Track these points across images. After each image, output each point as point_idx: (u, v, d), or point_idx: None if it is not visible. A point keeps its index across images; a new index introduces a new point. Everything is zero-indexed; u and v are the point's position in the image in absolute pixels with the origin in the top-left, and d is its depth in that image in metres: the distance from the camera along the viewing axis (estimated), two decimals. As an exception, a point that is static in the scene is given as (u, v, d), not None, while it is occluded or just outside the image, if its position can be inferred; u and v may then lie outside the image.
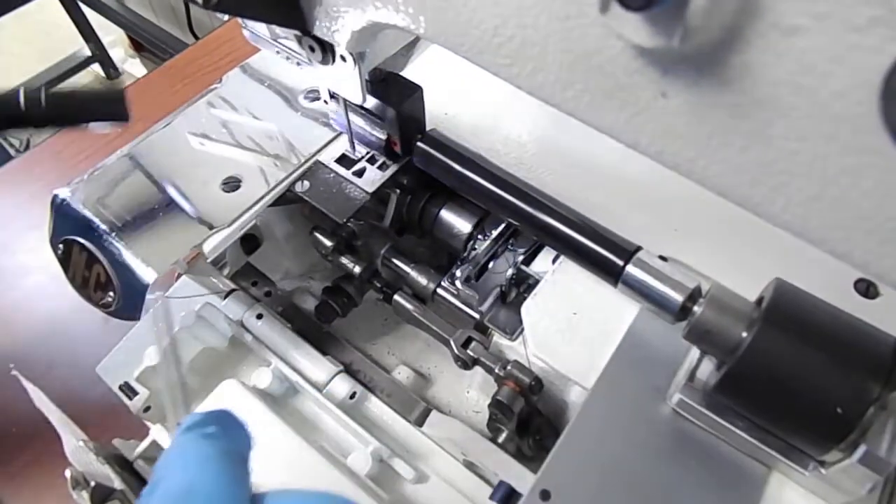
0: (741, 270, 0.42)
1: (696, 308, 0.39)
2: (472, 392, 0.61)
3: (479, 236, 0.54)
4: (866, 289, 0.46)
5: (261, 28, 0.39)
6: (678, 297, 0.39)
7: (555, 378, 0.46)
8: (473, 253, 0.53)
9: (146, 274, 0.48)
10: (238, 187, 0.51)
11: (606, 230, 0.43)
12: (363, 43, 0.32)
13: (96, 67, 2.44)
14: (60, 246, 0.49)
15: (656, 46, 0.18)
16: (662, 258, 0.41)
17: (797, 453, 0.36)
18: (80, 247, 0.49)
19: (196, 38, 1.58)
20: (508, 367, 0.49)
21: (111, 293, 0.49)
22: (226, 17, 1.00)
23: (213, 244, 0.49)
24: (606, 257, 0.41)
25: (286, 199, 0.52)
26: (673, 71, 0.19)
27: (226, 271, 0.66)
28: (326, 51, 0.35)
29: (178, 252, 0.50)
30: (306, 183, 0.52)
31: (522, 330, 0.52)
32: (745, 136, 0.19)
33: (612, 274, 0.41)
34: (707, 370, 0.41)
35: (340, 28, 0.31)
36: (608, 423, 0.41)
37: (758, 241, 0.47)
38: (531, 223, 0.44)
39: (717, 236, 0.48)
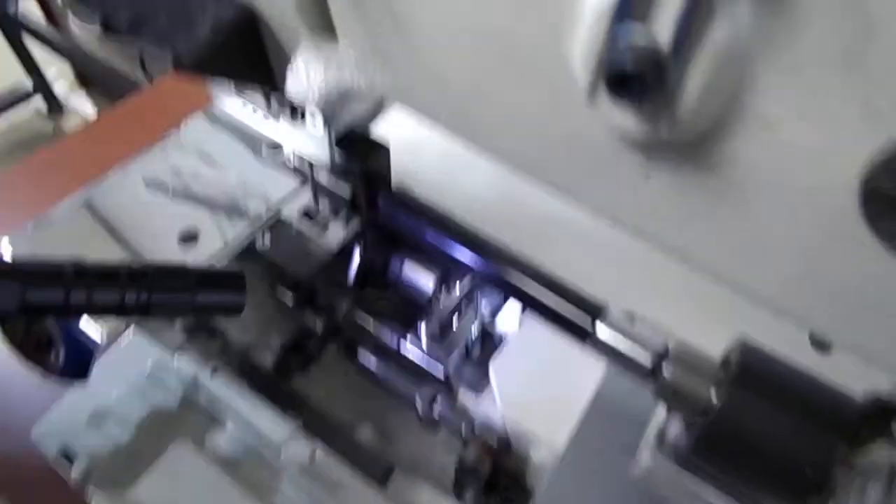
0: (703, 321, 0.43)
1: (664, 366, 0.39)
2: (437, 448, 0.59)
3: (443, 291, 0.54)
4: (820, 343, 0.47)
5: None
6: (647, 357, 0.39)
7: (525, 438, 0.46)
8: (438, 308, 0.52)
9: (94, 332, 0.45)
10: (195, 240, 0.49)
11: (572, 287, 0.43)
12: (334, 105, 0.32)
13: (38, 101, 2.36)
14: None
15: (643, 135, 0.18)
16: (630, 316, 0.41)
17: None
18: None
19: (146, 73, 1.54)
20: (475, 428, 0.48)
21: (54, 353, 0.46)
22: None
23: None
24: (574, 315, 0.41)
25: (247, 253, 0.51)
26: (657, 155, 0.20)
27: (178, 324, 0.63)
28: (296, 109, 0.34)
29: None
30: (268, 238, 0.50)
31: (489, 384, 0.51)
32: (725, 217, 0.20)
33: (580, 332, 0.41)
34: (676, 428, 0.41)
35: (312, 88, 0.31)
36: (580, 486, 0.40)
37: (717, 291, 0.48)
38: (497, 281, 0.44)
39: (678, 288, 0.48)
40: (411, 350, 0.52)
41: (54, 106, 2.35)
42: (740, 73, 0.16)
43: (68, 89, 2.43)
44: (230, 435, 0.53)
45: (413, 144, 0.53)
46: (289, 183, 0.53)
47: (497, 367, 0.45)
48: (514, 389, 0.44)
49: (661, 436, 0.41)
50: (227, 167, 0.55)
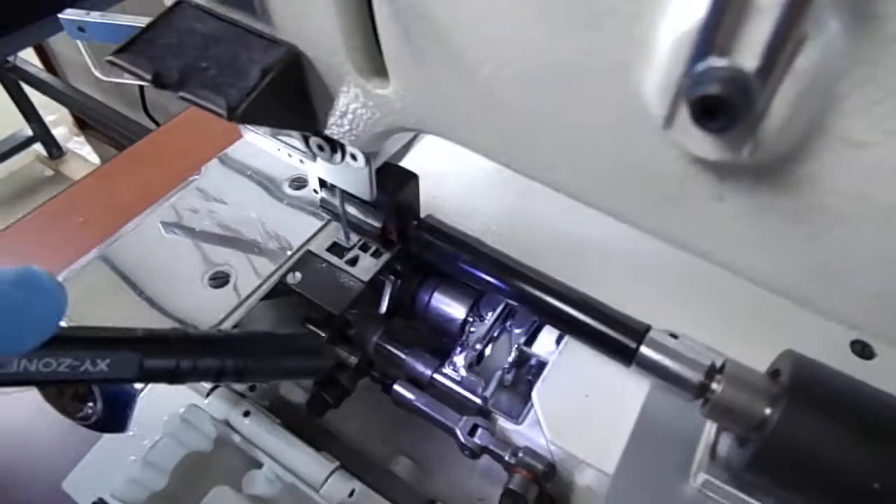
0: (743, 338, 0.43)
1: (713, 385, 0.38)
2: (475, 480, 0.58)
3: (475, 319, 0.54)
4: (862, 349, 0.47)
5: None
6: (696, 376, 0.39)
7: (570, 463, 0.45)
8: (471, 337, 0.52)
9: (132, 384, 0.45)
10: (226, 283, 0.49)
11: (613, 310, 0.43)
12: (377, 143, 0.32)
13: (38, 147, 2.37)
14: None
15: (721, 160, 0.18)
16: (673, 335, 0.41)
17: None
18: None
19: (150, 117, 1.56)
20: (520, 455, 0.47)
21: (91, 404, 0.45)
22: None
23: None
24: (617, 339, 0.41)
25: (277, 292, 0.51)
26: (731, 178, 0.20)
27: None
28: (336, 150, 0.34)
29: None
30: (298, 274, 0.50)
31: (528, 413, 0.51)
32: (802, 239, 0.20)
33: (624, 355, 0.41)
34: (726, 445, 0.41)
35: (357, 131, 0.31)
36: (636, 508, 0.40)
37: (754, 307, 0.48)
38: (536, 306, 0.44)
39: (716, 306, 0.48)
40: (447, 380, 0.52)
41: (54, 151, 2.37)
42: (827, 94, 0.16)
43: (68, 133, 2.44)
44: (267, 475, 0.53)
45: (439, 173, 0.53)
46: (312, 220, 0.53)
47: (540, 393, 0.44)
48: (559, 414, 0.44)
49: (713, 454, 0.40)
50: (248, 209, 0.55)
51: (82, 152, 2.41)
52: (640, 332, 0.41)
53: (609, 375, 0.45)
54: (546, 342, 0.50)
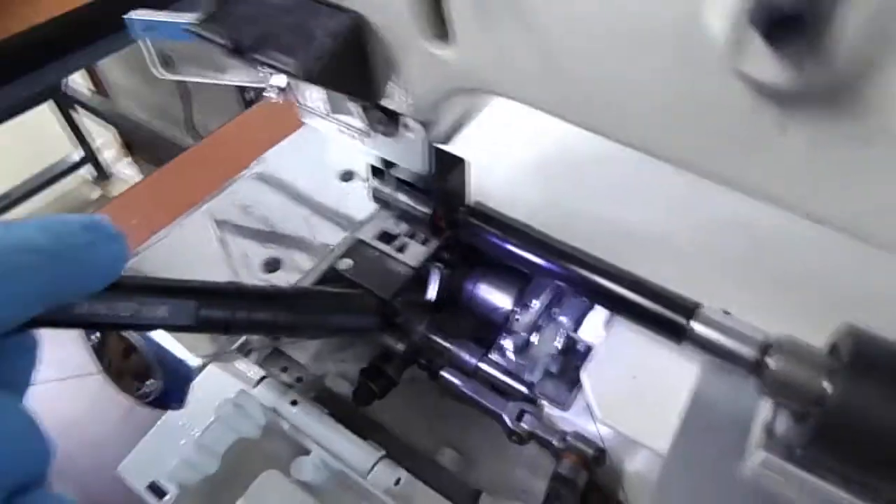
0: (796, 314, 0.42)
1: (768, 360, 0.38)
2: (519, 472, 0.58)
3: (520, 309, 0.54)
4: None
5: (317, 105, 0.40)
6: (750, 352, 0.38)
7: (621, 445, 0.45)
8: (517, 325, 0.52)
9: (190, 359, 0.46)
10: (277, 268, 0.50)
11: (662, 288, 0.43)
12: (435, 111, 0.33)
13: (85, 170, 2.47)
14: (95, 334, 0.48)
15: (790, 84, 0.19)
16: (725, 312, 0.41)
17: (900, 509, 0.35)
18: (117, 335, 0.47)
19: (197, 136, 1.61)
20: (568, 439, 0.47)
21: (150, 382, 0.47)
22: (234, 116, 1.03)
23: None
24: (668, 316, 0.41)
25: (326, 280, 0.52)
26: (796, 106, 0.20)
27: (253, 357, 0.64)
28: (392, 120, 0.36)
29: (222, 336, 0.49)
30: (348, 261, 0.51)
31: (575, 400, 0.51)
32: (871, 168, 0.20)
33: (675, 332, 0.41)
34: (784, 423, 0.40)
35: (417, 96, 0.32)
36: (690, 491, 0.39)
37: (802, 288, 0.47)
38: (585, 286, 0.44)
39: (763, 288, 0.48)
40: (493, 368, 0.52)
41: (101, 173, 2.46)
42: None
43: (115, 156, 2.54)
44: (314, 462, 0.53)
45: (481, 166, 0.54)
46: (360, 211, 0.55)
47: (589, 374, 0.44)
48: (609, 395, 0.43)
49: (770, 432, 0.40)
50: (298, 199, 0.57)
51: (129, 173, 2.50)
52: (690, 308, 0.41)
53: (659, 356, 0.45)
54: (593, 328, 0.50)
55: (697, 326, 0.40)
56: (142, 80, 2.17)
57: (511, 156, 0.57)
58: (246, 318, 0.35)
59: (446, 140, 0.42)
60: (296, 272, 0.51)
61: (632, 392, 0.43)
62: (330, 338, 0.53)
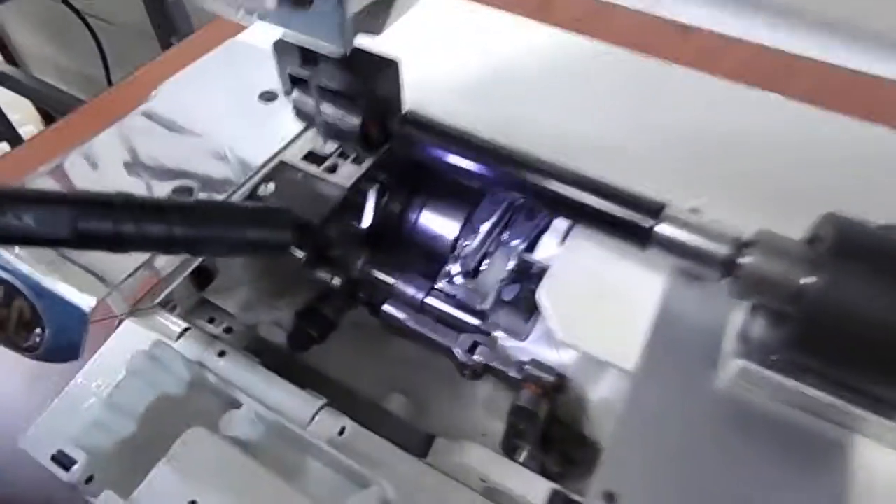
0: (765, 214, 0.38)
1: (742, 259, 0.34)
2: (476, 413, 0.54)
3: (467, 234, 0.49)
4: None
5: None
6: (722, 250, 0.34)
7: (584, 371, 0.41)
8: (465, 250, 0.47)
9: (82, 301, 0.40)
10: (191, 195, 0.44)
11: (624, 190, 0.38)
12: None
13: (4, 146, 2.29)
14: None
15: None
16: (693, 210, 0.36)
17: (888, 407, 0.32)
18: (-5, 280, 0.40)
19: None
20: (527, 368, 0.43)
21: (38, 331, 0.40)
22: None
23: (163, 262, 0.41)
24: (632, 219, 0.37)
25: (248, 207, 0.45)
26: None
27: (177, 313, 0.58)
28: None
29: (120, 274, 0.42)
30: (271, 185, 0.45)
31: (532, 329, 0.46)
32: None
33: (640, 236, 0.36)
34: (758, 329, 0.36)
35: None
36: (662, 408, 0.35)
37: (768, 198, 0.44)
38: (541, 194, 0.39)
39: (729, 192, 0.44)
40: (441, 301, 0.47)
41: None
42: None
43: (34, 131, 2.36)
44: (247, 416, 0.47)
45: (413, 81, 0.49)
46: (283, 132, 0.48)
47: (547, 292, 0.40)
48: (571, 314, 0.39)
49: (745, 339, 0.36)
50: (212, 122, 0.50)
51: (50, 148, 2.33)
52: (655, 209, 0.36)
53: (622, 269, 0.40)
54: (548, 248, 0.45)
55: (664, 227, 0.36)
56: (55, 46, 2.01)
57: (446, 72, 0.52)
58: (135, 231, 0.29)
59: (375, 28, 0.36)
60: (211, 198, 0.44)
61: (595, 309, 0.39)
62: (239, 256, 0.46)
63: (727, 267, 0.34)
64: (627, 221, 0.36)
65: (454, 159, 0.41)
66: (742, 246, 0.34)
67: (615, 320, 0.39)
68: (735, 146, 0.48)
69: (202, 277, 0.60)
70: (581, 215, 0.39)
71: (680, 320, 0.38)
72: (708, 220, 0.36)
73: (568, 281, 0.40)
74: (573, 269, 0.41)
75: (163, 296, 0.60)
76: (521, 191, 0.40)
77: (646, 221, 0.36)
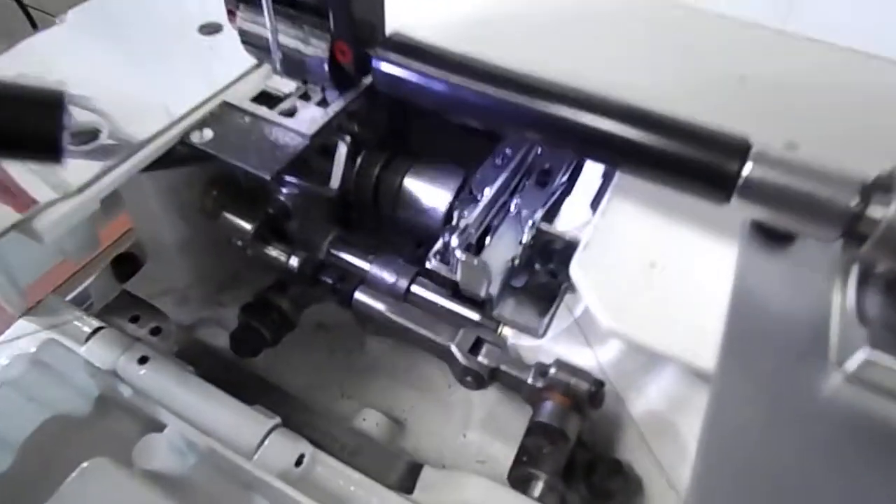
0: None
1: (872, 210, 0.24)
2: (471, 434, 0.43)
3: (466, 204, 0.38)
4: None
5: None
6: (843, 197, 0.24)
7: (631, 370, 0.30)
8: (464, 220, 0.36)
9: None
10: (95, 138, 0.32)
11: (693, 124, 0.28)
12: None
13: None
14: None
15: None
16: (791, 145, 0.26)
17: None
18: None
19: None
20: (551, 372, 0.32)
21: None
22: None
23: (49, 219, 0.29)
24: (710, 160, 0.27)
25: (175, 160, 0.34)
26: None
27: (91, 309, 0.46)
28: None
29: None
30: (207, 131, 0.34)
31: (549, 323, 0.36)
32: None
33: (722, 183, 0.26)
34: (884, 310, 0.26)
35: None
36: (754, 421, 0.25)
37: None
38: (575, 133, 0.29)
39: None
40: (429, 289, 0.37)
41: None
42: None
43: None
44: (171, 441, 0.35)
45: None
46: (228, 69, 0.37)
47: (583, 265, 0.29)
48: (616, 295, 0.28)
49: (865, 320, 0.26)
50: (134, 55, 0.39)
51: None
52: (741, 147, 0.26)
53: (679, 237, 0.30)
54: (577, 214, 0.35)
55: (757, 170, 0.26)
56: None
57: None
58: None
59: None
60: (124, 146, 0.32)
61: (649, 289, 0.29)
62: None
63: (850, 220, 0.24)
64: (704, 164, 0.26)
65: (454, 92, 0.31)
66: (869, 193, 0.24)
67: (676, 302, 0.29)
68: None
69: (124, 266, 0.48)
70: (633, 160, 0.28)
71: (764, 300, 0.28)
72: (815, 158, 0.26)
73: (610, 253, 0.30)
74: (616, 238, 0.30)
75: (78, 290, 0.49)
76: (547, 132, 0.30)
77: (730, 163, 0.26)
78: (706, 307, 0.28)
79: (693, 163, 0.27)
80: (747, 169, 0.26)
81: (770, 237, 0.30)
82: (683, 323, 0.28)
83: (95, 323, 0.41)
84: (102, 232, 0.44)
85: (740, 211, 0.28)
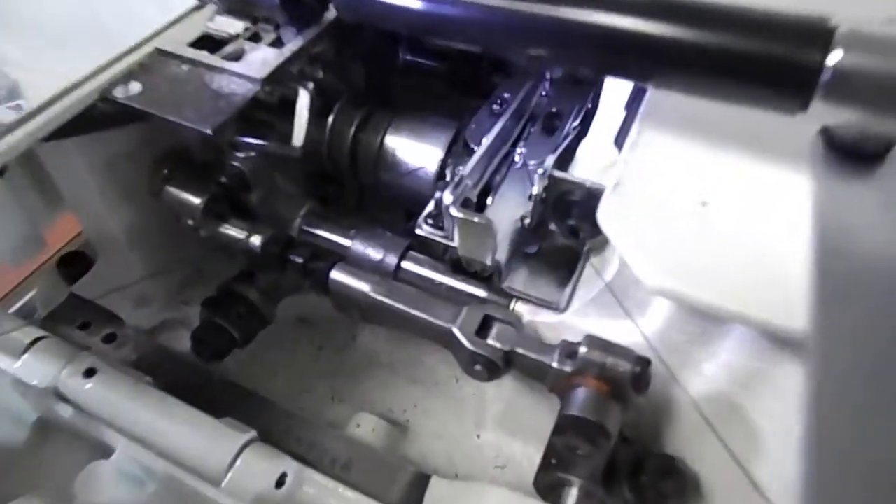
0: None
1: None
2: (487, 435, 0.36)
3: (460, 158, 0.31)
4: None
5: None
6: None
7: (685, 341, 0.23)
8: (460, 173, 0.29)
9: None
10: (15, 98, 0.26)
11: (741, 7, 0.21)
12: None
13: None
14: None
15: None
16: (893, 20, 0.20)
17: None
18: None
19: None
20: (581, 352, 0.25)
21: None
22: None
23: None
24: (775, 55, 0.20)
25: (98, 121, 0.27)
26: None
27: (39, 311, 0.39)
28: None
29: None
30: (135, 84, 0.27)
31: (572, 294, 0.29)
32: None
33: (800, 82, 0.19)
34: None
35: None
36: (872, 400, 0.18)
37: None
38: (594, 38, 0.22)
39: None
40: (421, 263, 0.30)
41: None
42: None
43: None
44: (121, 468, 0.29)
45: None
46: (170, 6, 0.31)
47: (614, 209, 0.22)
48: (659, 245, 0.22)
49: None
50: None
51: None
52: (819, 31, 0.19)
53: (735, 163, 0.23)
54: (597, 155, 0.28)
55: (846, 58, 0.19)
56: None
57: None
58: None
59: None
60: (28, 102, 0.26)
61: (701, 231, 0.22)
62: None
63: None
64: (770, 59, 0.19)
65: (433, 4, 0.24)
66: None
67: (739, 248, 0.22)
68: None
69: (73, 267, 0.41)
70: (672, 67, 0.21)
71: (858, 237, 0.21)
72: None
73: (648, 193, 0.23)
74: (654, 173, 0.24)
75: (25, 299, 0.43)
76: (557, 43, 0.23)
77: (807, 52, 0.19)
78: (779, 251, 0.22)
79: (754, 59, 0.20)
80: (834, 58, 0.19)
81: (851, 156, 0.23)
82: (752, 273, 0.21)
83: (35, 332, 0.34)
84: (51, 234, 0.38)
85: (818, 121, 0.21)
